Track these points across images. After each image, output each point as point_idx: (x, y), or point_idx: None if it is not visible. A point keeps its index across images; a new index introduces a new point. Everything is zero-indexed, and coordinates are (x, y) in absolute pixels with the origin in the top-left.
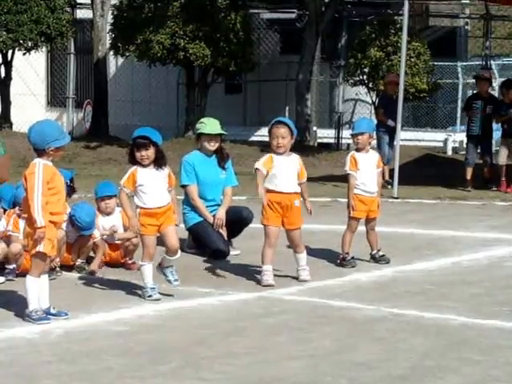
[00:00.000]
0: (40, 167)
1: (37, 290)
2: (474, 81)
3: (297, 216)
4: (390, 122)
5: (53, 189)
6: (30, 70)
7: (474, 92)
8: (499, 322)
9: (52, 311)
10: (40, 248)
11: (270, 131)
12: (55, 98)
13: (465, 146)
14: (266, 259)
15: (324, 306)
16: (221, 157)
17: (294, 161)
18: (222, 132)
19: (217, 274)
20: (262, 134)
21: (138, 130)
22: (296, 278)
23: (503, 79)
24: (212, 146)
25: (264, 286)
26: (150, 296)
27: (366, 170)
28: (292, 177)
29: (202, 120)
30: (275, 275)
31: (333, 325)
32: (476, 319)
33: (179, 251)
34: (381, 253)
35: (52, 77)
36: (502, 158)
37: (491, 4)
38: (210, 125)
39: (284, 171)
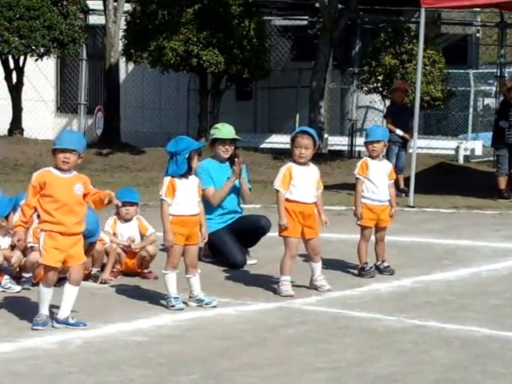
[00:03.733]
0: (39, 171)
1: (45, 299)
2: (484, 88)
3: (316, 223)
4: (399, 132)
5: (48, 197)
6: (40, 75)
7: (502, 100)
8: None
9: (70, 321)
10: (39, 259)
11: (293, 140)
12: (66, 104)
13: (489, 154)
14: (286, 270)
15: (344, 316)
16: (233, 162)
17: (314, 171)
18: (237, 137)
19: (234, 284)
20: (272, 141)
21: (192, 140)
22: (308, 288)
23: None
24: (226, 150)
25: (284, 296)
26: (172, 306)
27: (377, 177)
28: (311, 187)
29: (217, 125)
30: (293, 285)
31: (354, 336)
32: (499, 331)
33: (198, 269)
34: (385, 264)
35: (62, 82)
36: None
37: (506, 12)
38: (224, 130)
39: (305, 182)
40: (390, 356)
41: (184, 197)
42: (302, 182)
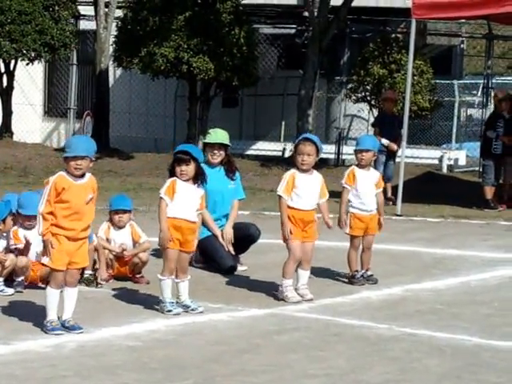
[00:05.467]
0: (55, 176)
1: (54, 301)
2: (469, 99)
3: (314, 229)
4: (384, 141)
5: (64, 202)
6: (28, 79)
7: (493, 112)
8: None
9: (67, 324)
10: (44, 260)
11: (296, 147)
12: (55, 108)
13: (477, 164)
14: (289, 273)
15: (336, 323)
16: (228, 168)
17: (317, 179)
18: (223, 142)
19: (226, 290)
20: (258, 148)
21: (180, 146)
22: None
23: None
24: (213, 154)
25: (292, 302)
26: (169, 311)
27: (364, 187)
28: (314, 195)
29: (209, 130)
30: None
31: (346, 343)
32: (489, 340)
33: (188, 275)
34: (369, 273)
35: (51, 87)
36: None
37: (494, 24)
38: (213, 135)
39: (307, 190)
40: (382, 364)
41: (182, 201)
42: (305, 190)
